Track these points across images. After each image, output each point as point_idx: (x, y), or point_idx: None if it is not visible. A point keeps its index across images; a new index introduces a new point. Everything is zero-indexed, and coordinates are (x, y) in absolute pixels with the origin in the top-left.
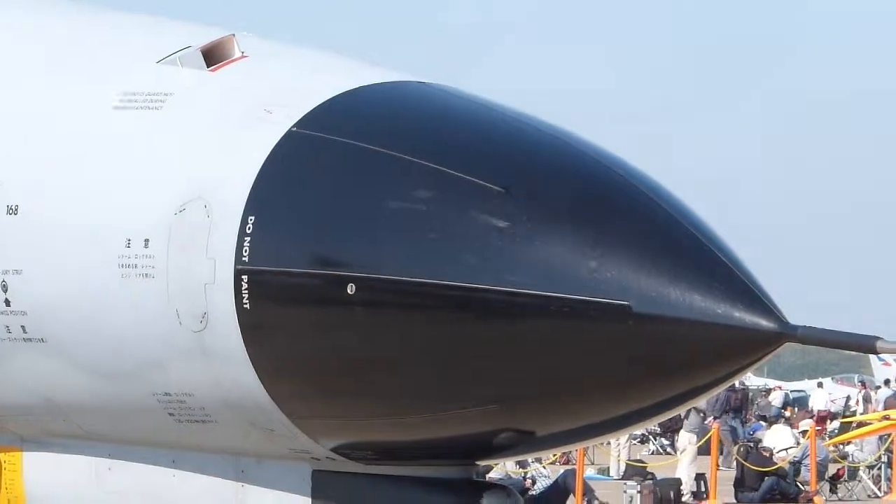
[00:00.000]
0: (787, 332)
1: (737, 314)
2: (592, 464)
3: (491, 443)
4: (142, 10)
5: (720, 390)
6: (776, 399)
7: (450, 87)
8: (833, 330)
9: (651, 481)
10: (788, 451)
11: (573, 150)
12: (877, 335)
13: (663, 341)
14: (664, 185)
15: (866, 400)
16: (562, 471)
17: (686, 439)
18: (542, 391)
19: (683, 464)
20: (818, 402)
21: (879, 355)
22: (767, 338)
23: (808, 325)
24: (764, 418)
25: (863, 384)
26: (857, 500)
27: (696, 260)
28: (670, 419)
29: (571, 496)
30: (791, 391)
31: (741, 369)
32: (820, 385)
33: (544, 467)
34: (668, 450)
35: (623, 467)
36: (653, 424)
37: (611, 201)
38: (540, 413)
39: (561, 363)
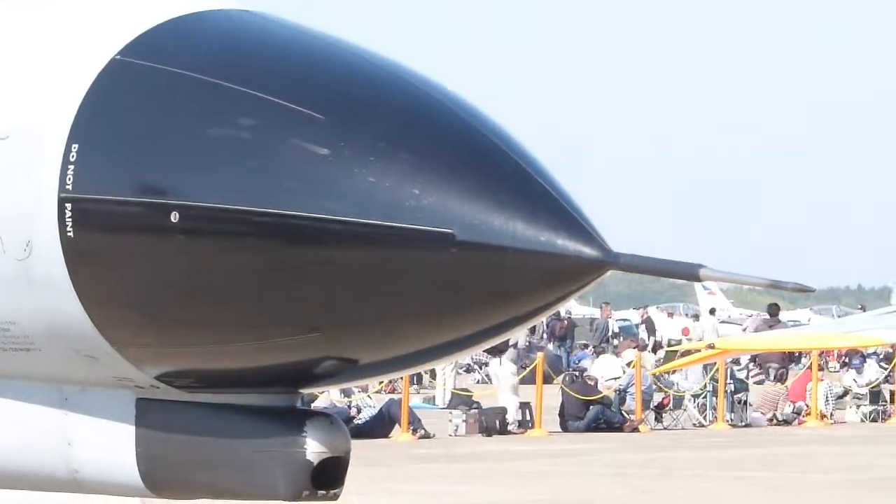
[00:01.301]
0: (609, 260)
1: (559, 241)
2: (418, 392)
3: (313, 371)
4: None
5: (543, 318)
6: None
7: (275, 16)
8: (658, 258)
9: (476, 410)
10: (616, 380)
11: (397, 78)
12: (701, 263)
13: (486, 269)
14: (489, 114)
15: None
16: (387, 399)
17: (507, 368)
18: (363, 319)
19: (505, 393)
20: (668, 331)
21: (704, 284)
22: (590, 265)
23: (632, 254)
24: (586, 346)
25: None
26: (683, 428)
27: (519, 188)
28: (494, 347)
29: (396, 425)
30: (617, 320)
31: (564, 297)
32: (670, 315)
33: (369, 396)
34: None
35: (449, 396)
36: (477, 352)
37: (434, 130)
38: (362, 341)
39: (382, 291)
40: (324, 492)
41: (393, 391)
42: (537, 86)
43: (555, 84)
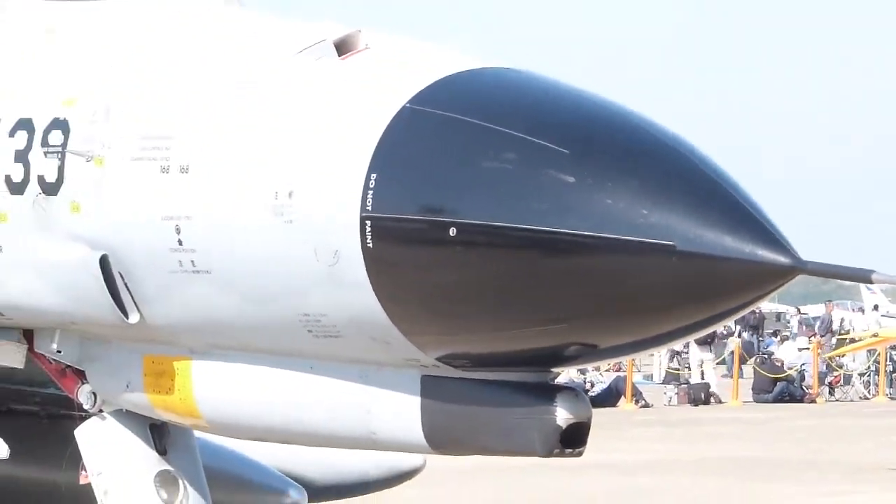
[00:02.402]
0: (799, 266)
1: (759, 252)
2: (639, 371)
3: (562, 354)
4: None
5: (745, 313)
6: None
7: (530, 71)
8: (836, 264)
9: (685, 385)
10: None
11: (626, 120)
12: (872, 269)
13: (700, 274)
14: (700, 147)
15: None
16: (614, 376)
17: (706, 353)
18: (602, 312)
19: (708, 371)
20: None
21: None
22: (784, 271)
23: (815, 261)
24: (776, 334)
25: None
26: (851, 400)
27: (727, 209)
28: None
29: (622, 397)
30: (801, 314)
31: (762, 296)
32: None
33: (600, 373)
34: None
35: (664, 374)
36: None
37: (657, 161)
38: (603, 331)
39: (617, 290)
40: (570, 450)
41: (619, 369)
42: None
43: None
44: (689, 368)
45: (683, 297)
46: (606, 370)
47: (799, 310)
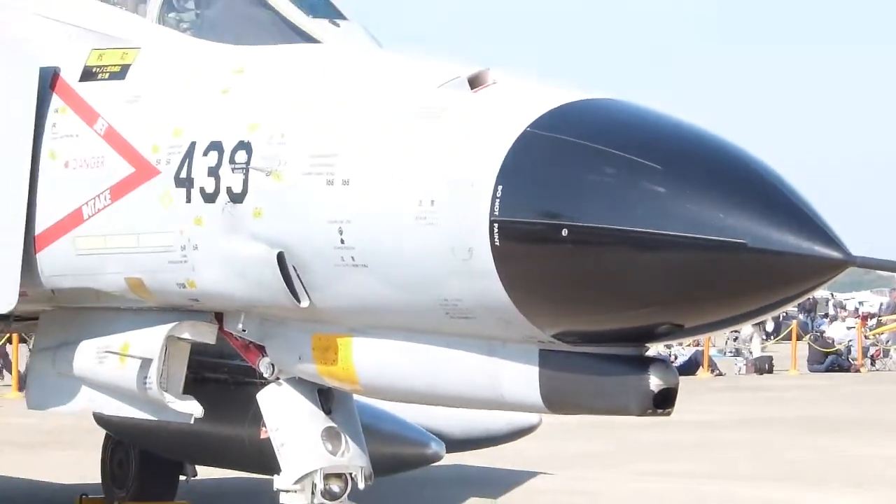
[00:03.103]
0: (850, 260)
1: (816, 248)
2: (714, 346)
3: (655, 332)
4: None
5: (802, 300)
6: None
7: (628, 101)
8: (883, 259)
9: (752, 357)
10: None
11: (707, 140)
12: None
13: (768, 266)
14: (766, 161)
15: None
16: (693, 350)
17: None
18: (689, 299)
19: (756, 346)
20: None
21: None
22: (837, 264)
23: (864, 256)
24: (826, 316)
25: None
26: (889, 370)
27: (788, 211)
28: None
29: (700, 367)
30: (844, 299)
31: (818, 285)
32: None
33: (682, 348)
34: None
35: (734, 348)
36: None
37: (733, 174)
38: (687, 313)
39: (701, 281)
40: (661, 410)
41: (697, 344)
42: None
43: None
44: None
45: (753, 285)
46: (687, 344)
47: (833, 295)
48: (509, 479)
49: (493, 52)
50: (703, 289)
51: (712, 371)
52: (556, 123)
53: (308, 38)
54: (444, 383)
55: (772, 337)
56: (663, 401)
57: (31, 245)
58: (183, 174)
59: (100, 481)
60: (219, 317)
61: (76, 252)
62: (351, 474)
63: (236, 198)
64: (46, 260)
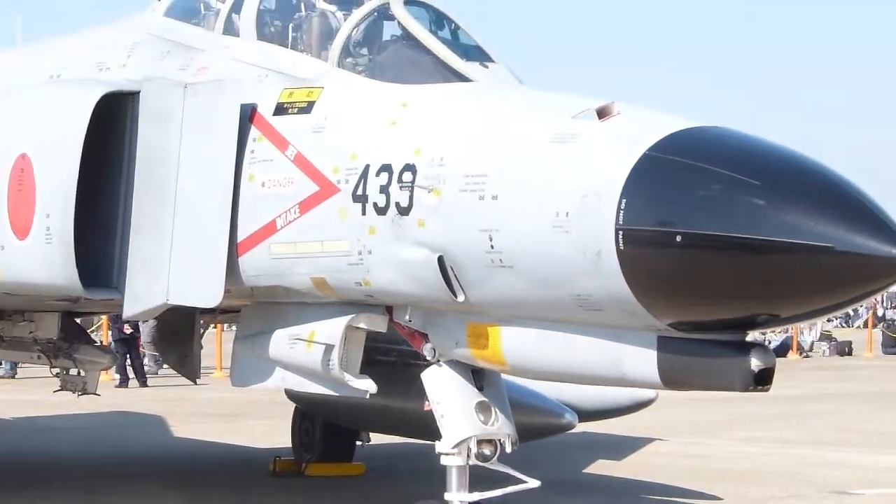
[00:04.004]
0: None
1: (893, 251)
2: (802, 333)
3: (756, 321)
4: None
5: (880, 294)
6: None
7: (731, 129)
8: None
9: (834, 342)
10: None
11: (798, 160)
12: None
13: (851, 267)
14: (847, 176)
15: None
16: (783, 335)
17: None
18: (784, 294)
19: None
20: None
21: None
22: None
23: None
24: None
25: None
26: None
27: (868, 220)
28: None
29: (790, 350)
30: None
31: (892, 283)
32: None
33: (776, 334)
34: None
35: (818, 334)
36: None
37: (822, 188)
38: (784, 305)
39: (795, 278)
40: (760, 387)
41: (787, 331)
42: None
43: None
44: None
45: (838, 282)
46: (779, 332)
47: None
48: (631, 444)
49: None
50: (796, 285)
51: (801, 353)
52: (670, 147)
53: (462, 78)
54: (576, 364)
55: (852, 324)
56: (762, 379)
57: (234, 251)
58: (359, 192)
59: (290, 446)
60: (389, 309)
61: (271, 256)
62: (500, 440)
63: (403, 211)
64: (247, 263)
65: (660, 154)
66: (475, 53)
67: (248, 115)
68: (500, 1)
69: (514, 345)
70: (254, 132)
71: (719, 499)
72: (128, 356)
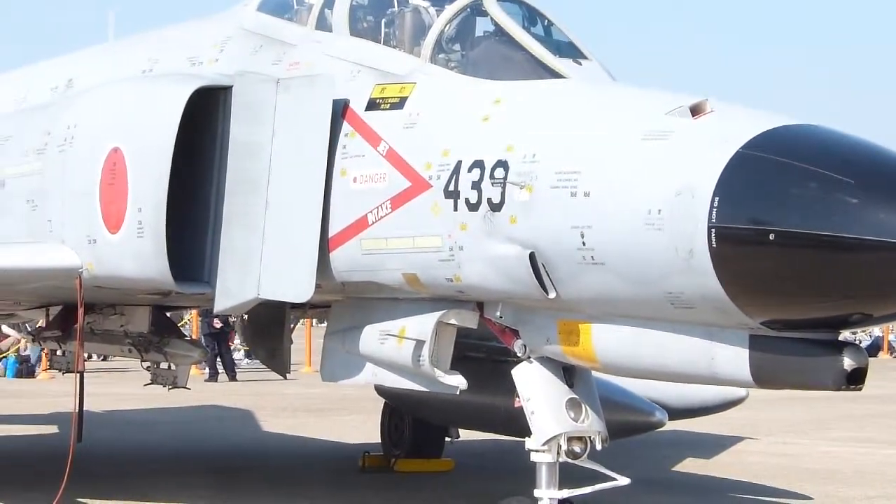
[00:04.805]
0: None
1: None
2: (892, 332)
3: (849, 320)
4: None
5: None
6: None
7: (824, 127)
8: None
9: None
10: None
11: (892, 159)
12: None
13: None
14: None
15: None
16: (876, 335)
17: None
18: (877, 292)
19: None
20: None
21: None
22: None
23: None
24: None
25: None
26: None
27: None
28: None
29: (881, 349)
30: None
31: None
32: None
33: (867, 334)
34: None
35: None
36: None
37: None
38: (876, 304)
39: (889, 278)
40: (853, 386)
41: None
42: None
43: None
44: None
45: None
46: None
47: None
48: (721, 444)
49: None
50: (888, 284)
51: (891, 352)
52: (763, 145)
53: (555, 74)
54: (667, 362)
55: None
56: (855, 378)
57: (325, 246)
58: (451, 188)
59: (379, 441)
60: (479, 305)
61: (362, 252)
62: (590, 438)
63: (495, 207)
64: (338, 258)
65: (753, 152)
66: (568, 50)
67: (340, 111)
68: None
69: (605, 342)
70: (346, 127)
71: (810, 498)
72: (217, 350)
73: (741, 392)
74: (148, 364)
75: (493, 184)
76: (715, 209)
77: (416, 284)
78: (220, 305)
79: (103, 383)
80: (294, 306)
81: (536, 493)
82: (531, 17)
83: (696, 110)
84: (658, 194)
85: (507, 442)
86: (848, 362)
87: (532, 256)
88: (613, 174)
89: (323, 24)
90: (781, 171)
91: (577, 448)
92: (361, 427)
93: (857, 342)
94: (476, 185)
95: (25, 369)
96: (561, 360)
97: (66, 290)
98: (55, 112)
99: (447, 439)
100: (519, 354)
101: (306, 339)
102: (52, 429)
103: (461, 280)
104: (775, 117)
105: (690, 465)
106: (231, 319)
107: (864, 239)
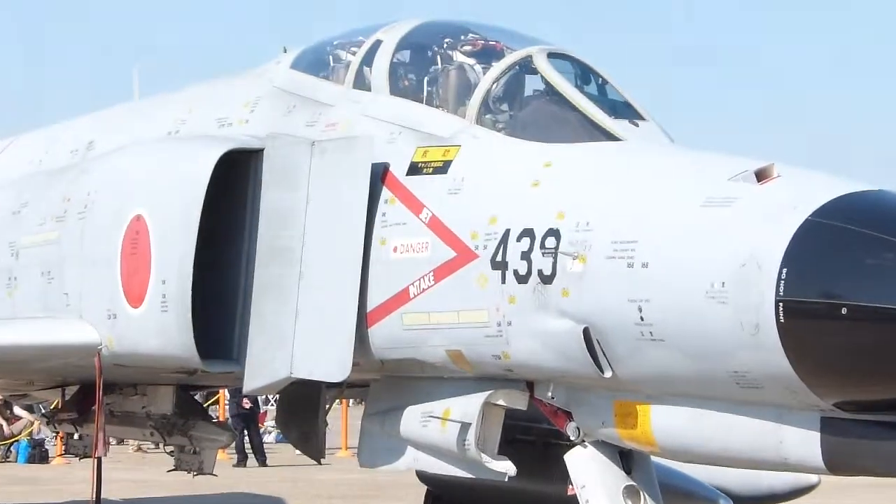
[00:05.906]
0: None
1: None
2: None
3: None
4: None
5: None
6: None
7: (893, 192)
8: None
9: None
10: None
11: None
12: None
13: None
14: None
15: None
16: None
17: None
18: None
19: None
20: None
21: None
22: None
23: None
24: None
25: None
26: None
27: None
28: None
29: None
30: None
31: None
32: None
33: None
34: None
35: None
36: None
37: None
38: None
39: None
40: None
41: None
42: None
43: None
44: None
45: None
46: None
47: None
48: None
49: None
50: None
51: None
52: (834, 213)
53: (610, 136)
54: (733, 446)
55: None
56: None
57: (363, 321)
58: (499, 258)
59: None
60: (530, 385)
61: (403, 327)
62: None
63: (546, 279)
64: (377, 334)
65: (823, 220)
66: (624, 110)
67: (379, 175)
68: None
69: (665, 424)
70: (386, 193)
71: None
72: (246, 432)
73: (812, 479)
74: (171, 448)
75: (543, 254)
76: (783, 281)
77: (461, 362)
78: (249, 385)
79: (123, 468)
80: (330, 386)
81: None
82: (584, 75)
83: (761, 175)
84: (721, 265)
85: None
86: None
87: (586, 332)
88: (673, 244)
89: (361, 83)
90: (854, 240)
91: None
92: None
93: None
94: (526, 256)
95: (39, 454)
96: (617, 444)
97: (84, 369)
98: (74, 176)
99: None
100: (572, 438)
101: (342, 420)
102: None
103: (510, 357)
104: (844, 182)
105: None
106: (261, 399)
107: None
